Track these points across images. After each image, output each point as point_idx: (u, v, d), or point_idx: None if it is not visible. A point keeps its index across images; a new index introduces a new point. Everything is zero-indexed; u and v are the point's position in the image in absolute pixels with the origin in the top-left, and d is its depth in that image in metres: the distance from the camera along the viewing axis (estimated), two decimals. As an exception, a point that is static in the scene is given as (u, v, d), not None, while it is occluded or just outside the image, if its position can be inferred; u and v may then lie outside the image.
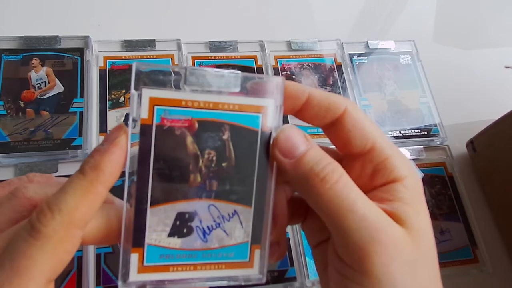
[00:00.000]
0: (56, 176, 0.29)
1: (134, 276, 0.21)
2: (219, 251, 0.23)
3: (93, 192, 0.19)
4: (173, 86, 0.21)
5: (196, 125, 0.22)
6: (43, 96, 0.47)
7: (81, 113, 0.47)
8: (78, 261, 0.40)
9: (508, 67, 0.64)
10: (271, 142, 0.23)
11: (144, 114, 0.21)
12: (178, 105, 0.21)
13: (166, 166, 0.21)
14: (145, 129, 0.21)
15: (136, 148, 0.21)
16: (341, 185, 0.20)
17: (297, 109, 0.23)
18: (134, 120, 0.21)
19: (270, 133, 0.23)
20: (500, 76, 0.64)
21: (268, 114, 0.23)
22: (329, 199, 0.20)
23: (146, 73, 0.21)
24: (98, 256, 0.41)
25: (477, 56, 0.66)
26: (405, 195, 0.21)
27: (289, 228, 0.46)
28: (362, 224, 0.19)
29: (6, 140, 0.44)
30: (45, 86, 0.48)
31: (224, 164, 0.22)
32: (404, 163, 0.22)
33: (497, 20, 0.72)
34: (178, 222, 0.22)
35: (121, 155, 0.20)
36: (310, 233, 0.26)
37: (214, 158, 0.22)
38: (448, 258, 0.48)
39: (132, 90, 0.20)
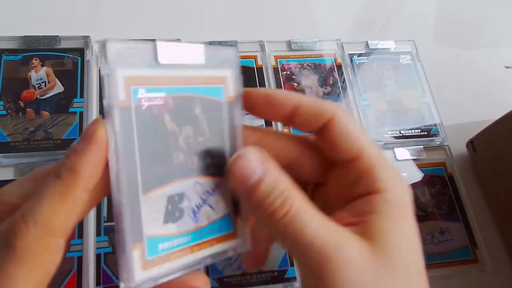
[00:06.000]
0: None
1: (139, 274, 0.19)
2: (209, 228, 0.22)
3: (70, 199, 0.17)
4: (143, 63, 0.19)
5: (171, 102, 0.21)
6: (43, 96, 0.47)
7: (81, 113, 0.47)
8: (78, 261, 0.40)
9: (508, 67, 0.64)
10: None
11: (121, 96, 0.19)
12: (152, 83, 0.20)
13: (150, 150, 0.20)
14: (124, 113, 0.19)
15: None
16: (290, 215, 0.19)
17: (286, 117, 0.23)
18: (109, 106, 0.18)
19: (234, 104, 0.23)
20: (500, 76, 0.64)
21: (229, 84, 0.23)
22: (280, 230, 0.19)
23: (117, 52, 0.18)
24: (98, 256, 0.41)
25: (477, 56, 0.66)
26: (383, 209, 0.20)
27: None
28: (310, 252, 0.19)
29: (6, 140, 0.44)
30: (45, 86, 0.48)
31: (200, 139, 0.22)
32: (390, 176, 0.22)
33: (497, 20, 0.72)
34: (170, 207, 0.21)
35: (100, 153, 0.18)
36: None
37: (191, 133, 0.22)
38: (448, 258, 0.48)
39: (104, 71, 0.18)
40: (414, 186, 0.52)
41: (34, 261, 0.17)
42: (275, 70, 0.55)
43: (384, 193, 0.21)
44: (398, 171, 0.22)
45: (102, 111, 0.19)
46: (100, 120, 0.18)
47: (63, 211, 0.17)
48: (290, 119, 0.23)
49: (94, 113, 0.48)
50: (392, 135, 0.54)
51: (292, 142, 0.24)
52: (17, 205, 0.19)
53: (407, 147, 0.54)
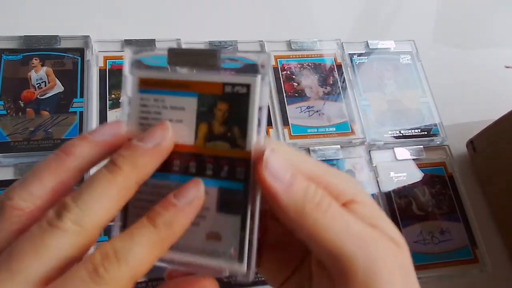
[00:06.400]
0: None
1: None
2: None
3: (162, 251, 0.19)
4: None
5: None
6: (43, 96, 0.47)
7: (81, 113, 0.47)
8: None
9: (508, 67, 0.64)
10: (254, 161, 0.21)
11: None
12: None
13: None
14: None
15: None
16: (334, 209, 0.20)
17: None
18: None
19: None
20: (500, 76, 0.64)
21: None
22: (326, 224, 0.19)
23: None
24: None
25: (477, 56, 0.66)
26: (366, 213, 0.21)
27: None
28: (360, 240, 0.19)
29: (6, 140, 0.44)
30: (45, 86, 0.48)
31: None
32: (348, 184, 0.22)
33: (497, 20, 0.72)
34: None
35: (194, 215, 0.19)
36: (271, 275, 0.25)
37: None
38: (448, 258, 0.48)
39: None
40: (414, 186, 0.52)
41: None
42: (275, 70, 0.55)
43: (355, 199, 0.21)
44: (348, 177, 0.23)
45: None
46: (201, 186, 0.19)
47: (151, 260, 0.18)
48: None
49: (94, 113, 0.48)
50: (392, 135, 0.54)
51: None
52: (29, 209, 0.19)
53: (407, 147, 0.54)
